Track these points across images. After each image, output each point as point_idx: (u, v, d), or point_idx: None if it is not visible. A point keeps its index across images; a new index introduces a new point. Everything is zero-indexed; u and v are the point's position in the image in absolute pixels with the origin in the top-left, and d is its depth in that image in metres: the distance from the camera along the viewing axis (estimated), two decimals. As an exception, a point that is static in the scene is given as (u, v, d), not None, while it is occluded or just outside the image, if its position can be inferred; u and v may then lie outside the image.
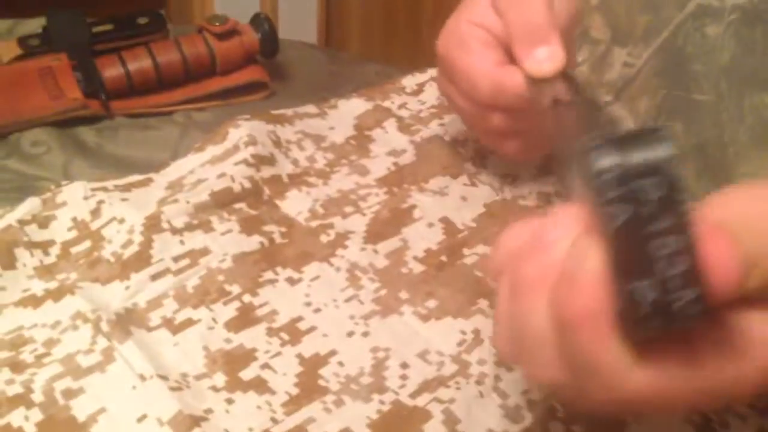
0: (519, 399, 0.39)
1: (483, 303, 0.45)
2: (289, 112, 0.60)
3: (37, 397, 0.37)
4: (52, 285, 0.43)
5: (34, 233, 0.46)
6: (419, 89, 0.66)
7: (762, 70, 0.48)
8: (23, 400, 0.37)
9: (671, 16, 0.53)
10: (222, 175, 0.51)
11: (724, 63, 0.50)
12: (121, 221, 0.47)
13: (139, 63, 0.59)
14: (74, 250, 0.46)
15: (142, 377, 0.38)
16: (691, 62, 0.52)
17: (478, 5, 0.47)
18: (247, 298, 0.44)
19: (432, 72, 0.66)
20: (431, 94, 0.64)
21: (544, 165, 0.57)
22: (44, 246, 0.45)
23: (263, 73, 0.65)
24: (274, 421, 0.37)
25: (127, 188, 0.50)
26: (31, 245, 0.45)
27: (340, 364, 0.41)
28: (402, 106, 0.64)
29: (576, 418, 0.38)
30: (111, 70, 0.59)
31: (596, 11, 0.59)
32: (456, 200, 0.54)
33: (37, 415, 0.36)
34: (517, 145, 0.50)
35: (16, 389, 0.37)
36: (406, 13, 1.46)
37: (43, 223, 0.47)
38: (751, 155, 0.50)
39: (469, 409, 0.39)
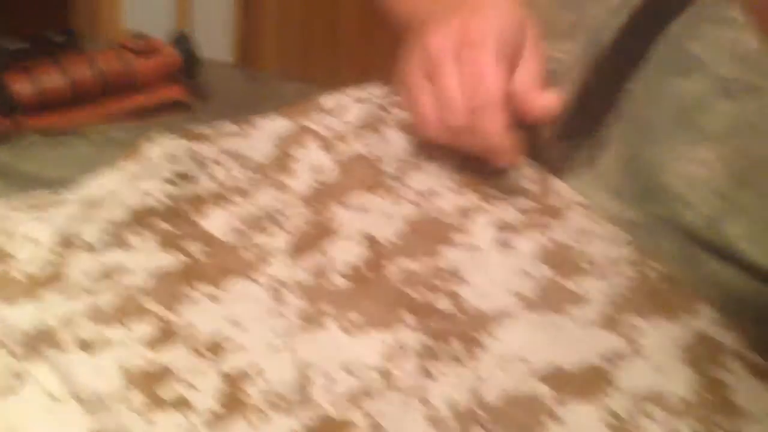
0: (443, 408, 0.40)
1: (406, 315, 0.45)
2: (209, 130, 0.59)
3: (-57, 422, 0.35)
4: (-41, 306, 0.41)
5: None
6: (340, 108, 0.66)
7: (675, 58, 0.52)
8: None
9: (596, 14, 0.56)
10: (141, 193, 0.50)
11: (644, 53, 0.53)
12: (33, 240, 0.45)
13: (51, 79, 0.58)
14: (-18, 270, 0.44)
15: (56, 399, 0.36)
16: (616, 54, 0.55)
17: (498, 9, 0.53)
18: (166, 315, 0.43)
19: (353, 92, 0.66)
20: (353, 114, 0.65)
21: (464, 181, 0.58)
22: (-50, 266, 0.43)
23: (183, 92, 0.64)
24: (197, 438, 0.36)
25: (39, 206, 0.48)
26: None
27: (265, 379, 0.40)
28: (323, 125, 0.64)
29: (500, 424, 0.39)
30: (21, 87, 0.57)
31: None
32: (378, 216, 0.54)
33: (-59, 441, 0.34)
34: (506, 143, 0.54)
35: None
36: (323, 30, 1.46)
37: (-50, 242, 0.45)
38: (674, 138, 0.53)
39: (394, 419, 0.39)
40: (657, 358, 0.43)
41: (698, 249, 0.51)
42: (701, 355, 0.44)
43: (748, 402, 0.41)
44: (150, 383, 0.39)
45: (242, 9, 1.45)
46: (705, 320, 0.46)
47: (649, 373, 0.42)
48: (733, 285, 0.50)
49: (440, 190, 0.57)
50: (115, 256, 0.45)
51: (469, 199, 0.56)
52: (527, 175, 0.60)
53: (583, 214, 0.55)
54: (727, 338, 0.45)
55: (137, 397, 0.38)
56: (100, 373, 0.39)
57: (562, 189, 0.58)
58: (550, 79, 0.60)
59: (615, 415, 0.40)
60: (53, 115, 0.59)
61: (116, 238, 0.46)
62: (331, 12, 1.45)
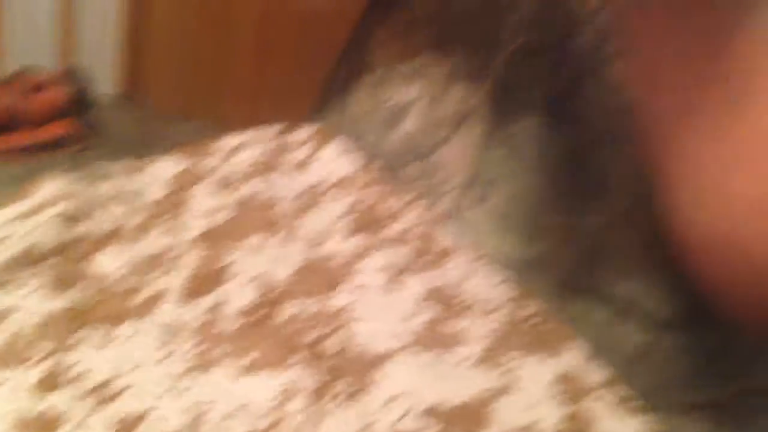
0: (333, 447, 0.41)
1: (297, 357, 0.47)
2: (100, 169, 0.59)
3: None
4: None
5: None
6: (235, 150, 0.67)
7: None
8: None
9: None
10: (28, 234, 0.49)
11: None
12: None
13: (-65, 115, 0.57)
14: None
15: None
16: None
17: None
18: (55, 359, 0.43)
19: (246, 133, 0.68)
20: (245, 155, 0.66)
21: (354, 225, 0.61)
22: None
23: (74, 128, 0.64)
24: (88, 483, 0.36)
25: None
26: None
27: (160, 420, 0.41)
28: (216, 167, 0.65)
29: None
30: None
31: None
32: (270, 259, 0.55)
33: None
34: None
35: None
36: (212, 68, 1.46)
37: None
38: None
39: (286, 458, 0.40)
40: (530, 395, 0.47)
41: (575, 288, 0.56)
42: (570, 390, 0.47)
43: (611, 425, 0.45)
44: (41, 429, 0.38)
45: (128, 45, 1.42)
46: (577, 357, 0.50)
47: (523, 409, 0.46)
48: (605, 325, 0.54)
49: (331, 232, 0.60)
50: (3, 298, 0.45)
51: (359, 242, 0.59)
52: (416, 218, 0.63)
53: (467, 257, 0.59)
54: (598, 375, 0.49)
55: (27, 443, 0.38)
56: (-13, 419, 0.38)
57: (448, 233, 0.61)
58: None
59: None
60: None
61: (5, 279, 0.46)
62: (220, 50, 1.45)
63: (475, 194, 0.64)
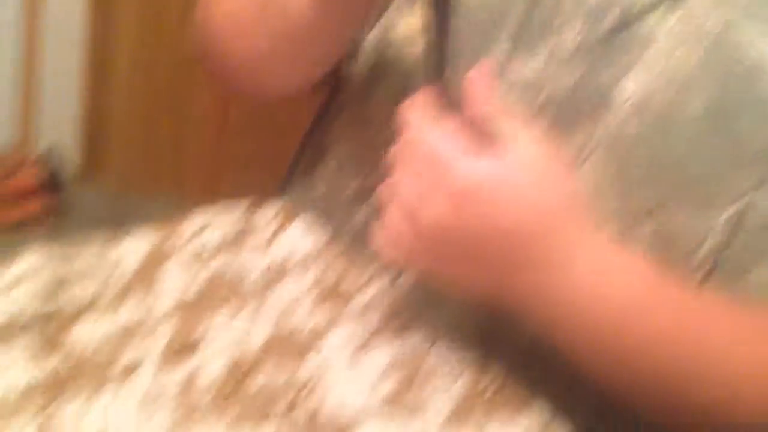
0: None
1: (269, 426, 0.49)
2: (72, 247, 0.61)
3: None
4: None
5: None
6: (201, 230, 0.70)
7: None
8: None
9: None
10: (9, 305, 0.51)
11: None
12: None
13: None
14: None
15: None
16: None
17: None
18: (40, 424, 0.44)
19: (215, 210, 0.70)
20: (214, 233, 0.68)
21: (319, 299, 0.63)
22: None
23: (45, 208, 0.66)
24: None
25: None
26: None
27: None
28: (184, 246, 0.67)
29: None
30: None
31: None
32: (241, 331, 0.57)
33: None
34: None
35: None
36: (170, 143, 1.47)
37: None
38: None
39: None
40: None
41: (534, 355, 0.58)
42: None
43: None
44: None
45: (88, 123, 1.45)
46: (541, 415, 0.53)
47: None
48: (565, 387, 0.57)
49: (297, 306, 0.62)
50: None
51: (325, 314, 0.61)
52: (379, 294, 0.65)
53: (429, 327, 0.62)
54: (564, 428, 0.51)
55: None
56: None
57: (410, 305, 0.64)
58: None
59: None
60: None
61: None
62: (181, 127, 1.48)
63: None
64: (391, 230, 0.49)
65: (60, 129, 1.37)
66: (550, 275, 0.46)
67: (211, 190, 1.38)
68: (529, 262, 0.45)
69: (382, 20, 0.68)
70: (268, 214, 0.71)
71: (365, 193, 0.70)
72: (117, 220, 0.70)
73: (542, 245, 0.45)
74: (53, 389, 0.46)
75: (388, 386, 0.54)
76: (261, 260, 0.66)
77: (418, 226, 0.46)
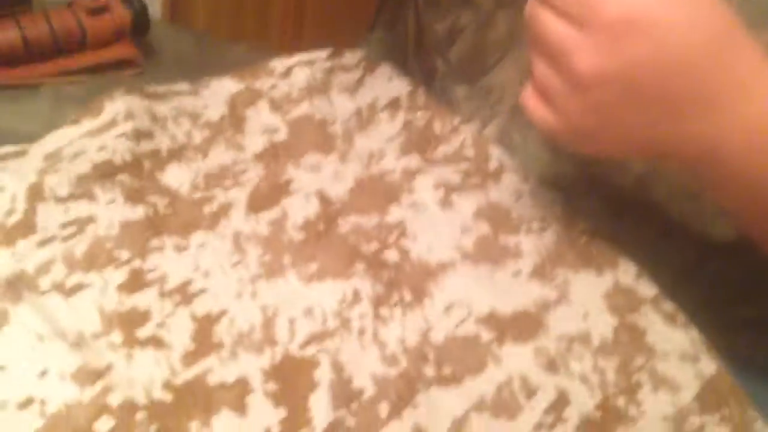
0: (396, 347, 0.44)
1: (359, 266, 0.49)
2: (162, 89, 0.61)
3: (-66, 357, 0.37)
4: (-67, 252, 0.43)
5: None
6: (288, 72, 0.69)
7: None
8: None
9: None
10: (102, 148, 0.52)
11: None
12: (1, 189, 0.47)
13: (5, 34, 0.58)
14: (-48, 218, 0.45)
15: (40, 337, 0.39)
16: None
17: None
18: (136, 263, 0.45)
19: (301, 56, 0.69)
20: (301, 77, 0.67)
21: (407, 144, 0.62)
22: None
23: (133, 50, 0.66)
24: (174, 373, 0.39)
25: (2, 158, 0.50)
26: None
27: (232, 321, 0.43)
28: (272, 87, 0.66)
29: (445, 361, 0.43)
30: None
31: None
32: (329, 175, 0.57)
33: (-67, 375, 0.36)
34: None
35: None
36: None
37: None
38: None
39: (352, 357, 0.43)
40: (583, 306, 0.49)
41: (624, 208, 0.57)
42: (621, 303, 0.49)
43: (659, 343, 0.47)
44: (127, 324, 0.41)
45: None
46: (625, 273, 0.52)
47: (576, 318, 0.48)
48: (653, 243, 0.56)
49: (385, 152, 0.61)
50: (83, 207, 0.47)
51: (413, 161, 0.61)
52: (466, 141, 0.64)
53: (517, 176, 0.60)
54: (645, 290, 0.51)
55: (117, 337, 0.40)
56: (79, 315, 0.41)
57: (498, 154, 0.63)
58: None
59: (546, 354, 0.45)
60: (7, 71, 0.59)
61: (82, 191, 0.48)
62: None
63: (522, 118, 0.65)
64: (541, 86, 0.43)
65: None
66: (720, 121, 0.37)
67: (294, 38, 1.36)
68: (696, 106, 0.38)
69: None
70: (354, 60, 0.69)
71: (450, 37, 0.67)
72: (203, 63, 0.70)
73: (711, 81, 0.37)
74: (148, 230, 0.48)
75: (475, 233, 0.54)
76: (349, 104, 0.65)
77: (571, 75, 0.39)
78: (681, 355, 0.46)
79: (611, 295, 0.50)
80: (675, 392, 0.44)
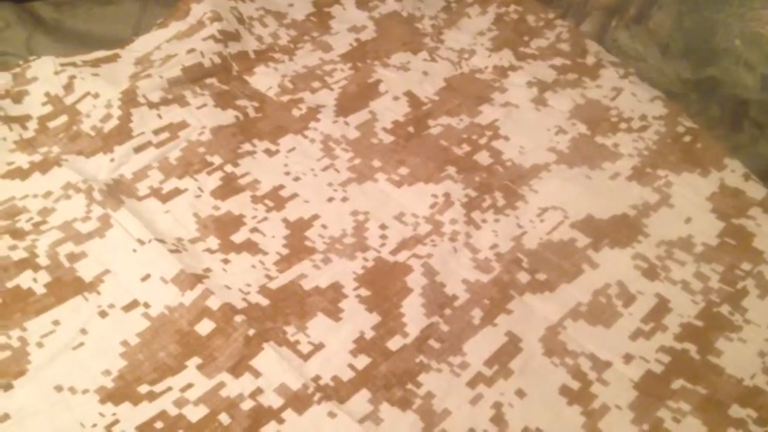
0: (488, 253, 0.43)
1: (450, 169, 0.48)
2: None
3: (43, 260, 0.39)
4: (36, 158, 0.44)
5: (9, 108, 0.46)
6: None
7: None
8: (29, 263, 0.38)
9: None
10: (191, 51, 0.51)
11: None
12: (96, 96, 0.47)
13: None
14: (51, 124, 0.46)
15: (141, 241, 0.40)
16: None
17: None
18: (228, 168, 0.46)
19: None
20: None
21: (499, 41, 0.60)
22: (21, 120, 0.46)
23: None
24: (269, 277, 0.40)
25: (95, 63, 0.50)
26: (8, 120, 0.45)
27: (324, 226, 0.43)
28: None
29: (539, 267, 0.43)
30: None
31: None
32: (418, 75, 0.56)
33: (44, 277, 0.38)
34: None
35: (20, 254, 0.39)
36: None
37: (17, 97, 0.47)
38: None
39: (444, 262, 0.42)
40: (685, 209, 0.47)
41: (744, 115, 0.53)
42: (727, 205, 0.47)
43: (766, 241, 0.45)
44: (222, 229, 0.42)
45: None
46: (732, 175, 0.49)
47: (678, 222, 0.46)
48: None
49: (476, 48, 0.59)
50: (175, 112, 0.48)
51: (505, 57, 0.58)
52: (562, 35, 0.61)
53: (616, 72, 0.57)
54: (754, 192, 0.48)
55: (213, 241, 0.41)
56: (177, 220, 0.42)
57: (594, 48, 0.59)
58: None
59: (645, 260, 0.44)
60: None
61: (174, 96, 0.48)
62: None
63: (628, 15, 0.60)
64: None
65: None
66: None
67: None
68: None
69: None
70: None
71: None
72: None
73: None
74: (238, 134, 0.48)
75: (571, 134, 0.52)
76: (433, 1, 0.62)
77: None
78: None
79: (716, 198, 0.47)
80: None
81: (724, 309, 0.41)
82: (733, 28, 0.53)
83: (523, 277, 0.42)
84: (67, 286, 0.38)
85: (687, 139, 0.52)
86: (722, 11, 0.54)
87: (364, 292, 0.40)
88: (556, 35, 0.61)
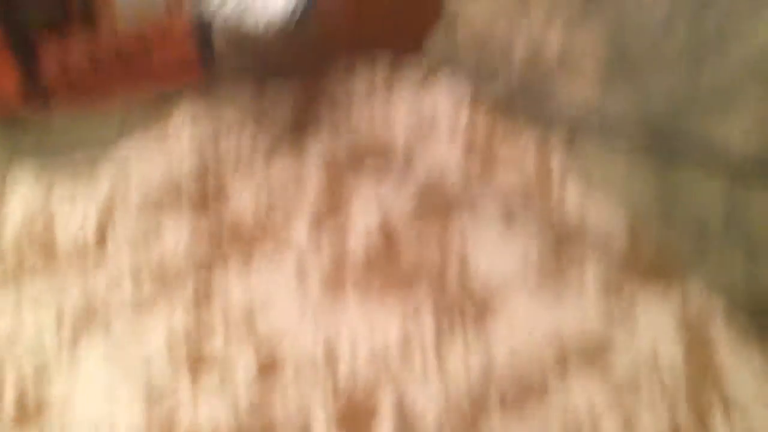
0: (461, 375, 0.43)
1: (420, 287, 0.49)
2: (224, 100, 0.61)
3: None
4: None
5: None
6: (348, 74, 0.68)
7: None
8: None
9: None
10: (170, 156, 0.52)
11: None
12: (72, 200, 0.48)
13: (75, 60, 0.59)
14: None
15: (110, 359, 0.39)
16: None
17: None
18: (203, 283, 0.46)
19: (360, 61, 0.68)
20: (360, 83, 0.66)
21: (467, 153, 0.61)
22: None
23: (198, 77, 0.65)
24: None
25: (75, 186, 0.51)
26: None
27: (298, 342, 0.44)
28: (333, 90, 0.65)
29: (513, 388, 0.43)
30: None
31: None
32: (389, 189, 0.57)
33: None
34: None
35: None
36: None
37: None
38: None
39: (416, 389, 0.43)
40: (651, 324, 0.48)
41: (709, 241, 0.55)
42: (691, 318, 0.48)
43: (730, 357, 0.46)
44: (195, 341, 0.42)
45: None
46: (695, 287, 0.50)
47: (645, 337, 0.47)
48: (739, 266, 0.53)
49: (445, 164, 0.60)
50: (151, 224, 0.48)
51: (473, 171, 0.59)
52: (526, 149, 0.62)
53: (581, 188, 0.59)
54: (716, 303, 0.49)
55: (181, 357, 0.41)
56: (147, 335, 0.42)
57: (560, 163, 0.61)
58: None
59: (614, 376, 0.44)
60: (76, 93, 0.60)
61: (151, 210, 0.49)
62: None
63: (592, 127, 0.62)
64: None
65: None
66: None
67: (351, 45, 1.35)
68: None
69: None
70: (412, 68, 0.68)
71: (508, 50, 0.66)
72: (262, 72, 0.70)
73: None
74: (214, 247, 0.48)
75: (538, 250, 0.53)
76: (407, 115, 0.65)
77: None
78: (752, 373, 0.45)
79: (681, 311, 0.49)
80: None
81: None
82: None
83: (493, 399, 0.43)
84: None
85: (650, 253, 0.53)
86: None
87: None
88: (522, 149, 0.63)
